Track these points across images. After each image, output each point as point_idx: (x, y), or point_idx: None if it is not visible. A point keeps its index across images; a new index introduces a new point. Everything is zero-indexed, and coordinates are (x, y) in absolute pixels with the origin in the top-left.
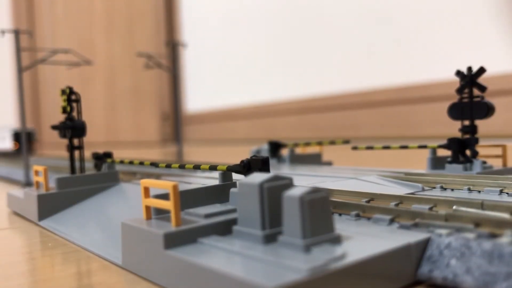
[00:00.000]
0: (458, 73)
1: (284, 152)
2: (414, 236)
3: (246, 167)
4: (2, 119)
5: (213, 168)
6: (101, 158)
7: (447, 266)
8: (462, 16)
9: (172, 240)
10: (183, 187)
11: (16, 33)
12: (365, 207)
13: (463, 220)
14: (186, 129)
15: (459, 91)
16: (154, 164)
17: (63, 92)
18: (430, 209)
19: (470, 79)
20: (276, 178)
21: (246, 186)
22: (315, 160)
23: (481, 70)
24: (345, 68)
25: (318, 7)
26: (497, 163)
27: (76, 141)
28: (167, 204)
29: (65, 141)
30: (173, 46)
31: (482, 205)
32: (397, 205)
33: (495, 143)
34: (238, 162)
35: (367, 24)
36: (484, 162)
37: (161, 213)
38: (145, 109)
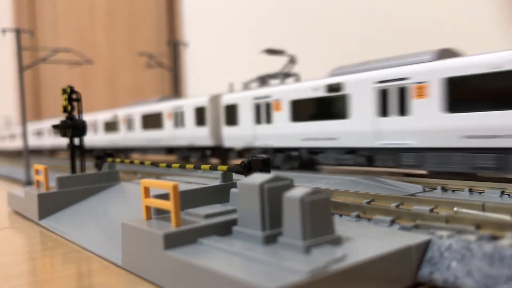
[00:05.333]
0: None
1: None
2: (414, 238)
3: (246, 168)
4: (3, 118)
5: (213, 168)
6: (101, 158)
7: (448, 268)
8: (464, 16)
9: (172, 241)
10: (183, 187)
11: (18, 32)
12: (366, 208)
13: (464, 222)
14: None
15: None
16: (154, 164)
17: (64, 91)
18: (431, 210)
19: None
20: (277, 178)
21: (247, 187)
22: None
23: None
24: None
25: (320, 7)
26: None
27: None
28: (167, 204)
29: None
30: (174, 46)
31: (483, 207)
32: (398, 206)
33: None
34: (238, 162)
35: (367, 24)
36: None
37: (161, 213)
38: None
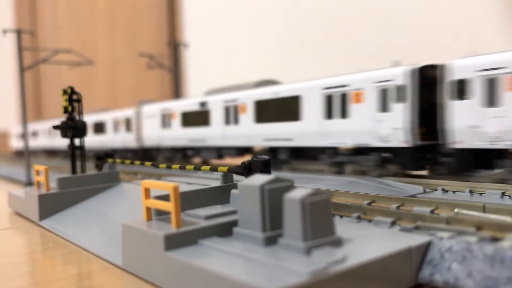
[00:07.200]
0: None
1: None
2: (415, 239)
3: (247, 169)
4: (3, 119)
5: (214, 169)
6: (102, 158)
7: (449, 269)
8: (464, 17)
9: (173, 242)
10: (183, 188)
11: (18, 32)
12: (366, 209)
13: (465, 223)
14: None
15: None
16: (155, 165)
17: (64, 92)
18: (432, 211)
19: None
20: (277, 180)
21: (247, 188)
22: None
23: None
24: (349, 68)
25: (321, 7)
26: None
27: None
28: (168, 206)
29: None
30: (175, 47)
31: (483, 208)
32: (398, 207)
33: None
34: (239, 163)
35: (369, 25)
36: None
37: (162, 214)
38: None
